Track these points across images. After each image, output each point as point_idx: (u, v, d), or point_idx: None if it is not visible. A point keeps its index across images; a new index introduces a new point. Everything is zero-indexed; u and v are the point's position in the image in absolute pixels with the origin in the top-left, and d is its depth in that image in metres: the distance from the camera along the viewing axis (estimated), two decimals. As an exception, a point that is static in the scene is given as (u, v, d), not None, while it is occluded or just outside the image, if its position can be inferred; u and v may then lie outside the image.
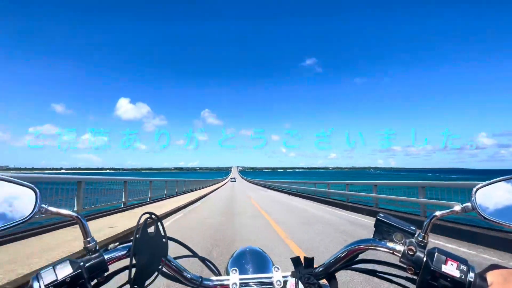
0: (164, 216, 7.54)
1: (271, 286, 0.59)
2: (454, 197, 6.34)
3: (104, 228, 5.42)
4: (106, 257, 0.49)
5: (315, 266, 0.59)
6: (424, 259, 0.46)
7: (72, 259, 0.47)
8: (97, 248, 0.50)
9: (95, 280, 0.48)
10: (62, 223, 5.37)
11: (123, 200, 8.41)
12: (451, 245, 4.85)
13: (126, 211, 7.82)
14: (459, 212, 0.50)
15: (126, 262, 0.50)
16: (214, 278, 0.61)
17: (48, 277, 0.43)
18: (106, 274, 0.49)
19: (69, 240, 4.27)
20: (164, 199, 12.33)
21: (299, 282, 0.55)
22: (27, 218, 0.46)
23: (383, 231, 0.52)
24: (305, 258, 0.59)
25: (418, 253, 0.47)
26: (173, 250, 0.58)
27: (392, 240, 0.51)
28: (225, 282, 0.59)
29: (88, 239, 0.50)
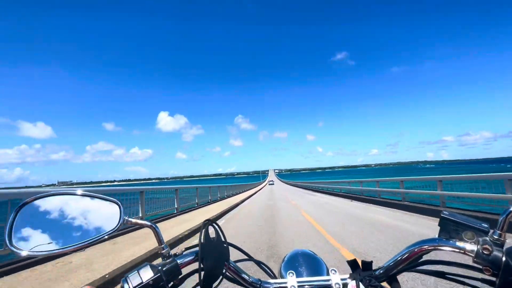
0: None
1: None
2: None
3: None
4: (178, 261, 0.54)
5: (374, 268, 0.57)
6: (504, 258, 0.42)
7: (151, 264, 0.53)
8: (170, 253, 0.56)
9: (172, 283, 0.53)
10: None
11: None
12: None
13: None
14: None
15: (194, 266, 0.55)
16: (271, 280, 0.62)
17: (135, 280, 0.49)
18: (179, 277, 0.54)
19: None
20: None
21: (361, 285, 0.53)
22: (115, 228, 0.53)
23: (450, 230, 0.48)
24: (363, 261, 0.57)
25: (495, 252, 0.43)
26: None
27: (461, 239, 0.47)
28: (283, 285, 0.59)
29: (162, 245, 0.56)
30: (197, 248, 0.55)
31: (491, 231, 0.46)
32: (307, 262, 0.76)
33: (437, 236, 0.50)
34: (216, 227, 0.59)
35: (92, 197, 0.57)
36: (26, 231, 0.49)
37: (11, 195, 3.65)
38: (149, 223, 0.56)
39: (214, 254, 0.55)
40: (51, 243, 0.49)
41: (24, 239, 0.49)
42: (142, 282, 0.49)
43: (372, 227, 6.04)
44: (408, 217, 7.36)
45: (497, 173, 6.47)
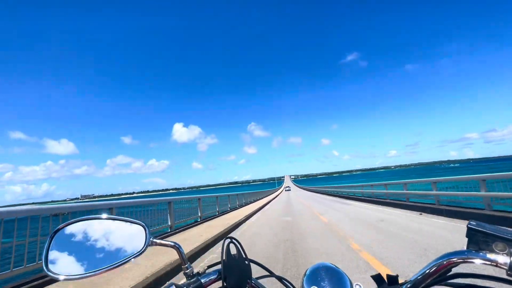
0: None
1: None
2: None
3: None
4: (202, 281, 0.55)
5: (400, 282, 0.54)
6: None
7: (176, 284, 0.54)
8: (194, 272, 0.57)
9: None
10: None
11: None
12: None
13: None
14: None
15: (217, 284, 0.55)
16: None
17: None
18: None
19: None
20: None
21: None
22: (142, 251, 0.55)
23: (479, 241, 0.46)
24: (388, 275, 0.55)
25: None
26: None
27: (492, 251, 0.45)
28: None
29: (186, 265, 0.57)
30: (219, 266, 0.56)
31: None
32: (329, 276, 0.73)
33: (465, 248, 0.48)
34: (237, 243, 0.60)
35: (118, 220, 0.59)
36: (59, 256, 0.52)
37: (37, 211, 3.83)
38: (172, 243, 0.58)
39: (236, 271, 0.55)
40: (83, 266, 0.51)
41: (58, 263, 0.51)
42: None
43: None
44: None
45: None
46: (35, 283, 3.25)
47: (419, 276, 0.52)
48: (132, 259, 0.54)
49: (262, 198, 28.72)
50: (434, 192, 9.09)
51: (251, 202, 22.09)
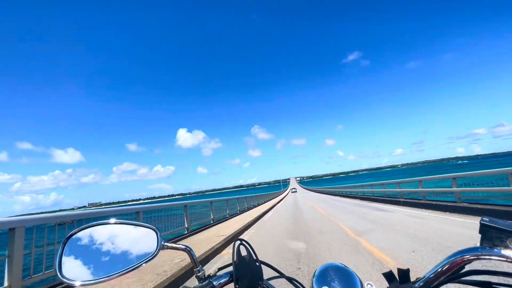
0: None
1: None
2: None
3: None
4: (214, 283, 0.55)
5: (412, 280, 0.54)
6: None
7: (188, 287, 0.54)
8: (205, 276, 0.57)
9: None
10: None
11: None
12: None
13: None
14: None
15: (229, 286, 0.55)
16: None
17: None
18: None
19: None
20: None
21: None
22: (154, 254, 0.55)
23: (492, 237, 0.46)
24: (399, 270, 0.54)
25: None
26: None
27: (507, 247, 0.46)
28: None
29: (198, 268, 0.57)
30: (230, 268, 0.56)
31: None
32: (339, 276, 0.71)
33: (478, 244, 0.48)
34: (247, 245, 0.60)
35: (129, 224, 0.59)
36: (72, 262, 0.52)
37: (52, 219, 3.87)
38: (183, 247, 0.58)
39: (248, 273, 0.55)
40: (96, 271, 0.52)
41: (72, 269, 0.52)
42: None
43: None
44: None
45: None
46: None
47: (432, 274, 0.52)
48: (144, 264, 0.54)
49: (262, 204, 23.67)
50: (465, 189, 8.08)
51: (255, 206, 21.56)
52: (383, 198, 14.25)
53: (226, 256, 5.14)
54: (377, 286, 0.57)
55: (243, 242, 0.59)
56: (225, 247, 5.90)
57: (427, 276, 0.52)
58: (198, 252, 5.01)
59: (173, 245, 0.57)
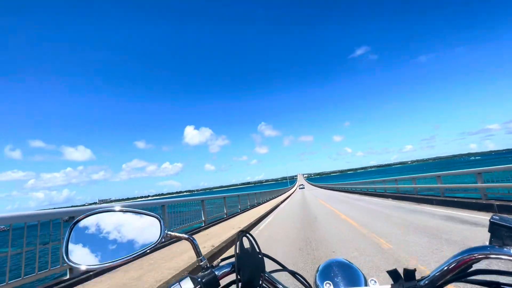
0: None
1: None
2: None
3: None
4: (216, 273, 0.56)
5: (417, 278, 0.53)
6: None
7: (191, 276, 0.55)
8: (208, 265, 0.57)
9: None
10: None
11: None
12: None
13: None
14: None
15: (231, 277, 0.56)
16: None
17: None
18: None
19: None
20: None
21: None
22: (157, 242, 0.56)
23: (502, 236, 0.45)
24: (405, 269, 0.53)
25: None
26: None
27: None
28: None
29: (200, 257, 0.57)
30: (233, 259, 0.56)
31: None
32: (343, 272, 0.72)
33: (487, 243, 0.47)
34: (250, 237, 0.60)
35: (134, 212, 0.60)
36: (79, 247, 0.54)
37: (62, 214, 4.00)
38: (186, 236, 0.58)
39: (250, 265, 0.55)
40: (102, 257, 0.53)
41: (78, 254, 0.53)
42: None
43: None
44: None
45: None
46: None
47: (438, 272, 0.51)
48: (148, 250, 0.55)
49: (266, 202, 21.22)
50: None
51: (263, 202, 21.47)
52: (414, 196, 11.36)
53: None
54: (381, 283, 0.57)
55: (247, 234, 0.60)
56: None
57: (432, 274, 0.51)
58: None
59: (176, 234, 0.58)
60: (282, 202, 20.15)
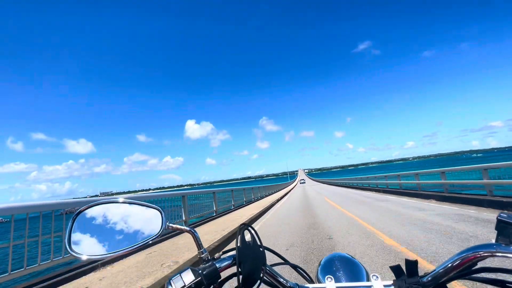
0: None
1: None
2: None
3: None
4: (217, 265, 0.56)
5: (420, 275, 0.53)
6: None
7: (192, 268, 0.55)
8: (209, 258, 0.58)
9: (212, 286, 0.55)
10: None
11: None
12: None
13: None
14: None
15: (232, 270, 0.56)
16: (309, 285, 0.60)
17: (178, 283, 0.54)
18: (219, 281, 0.56)
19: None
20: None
21: None
22: (158, 234, 0.57)
23: (510, 234, 0.45)
24: (407, 261, 0.53)
25: None
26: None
27: None
28: None
29: (201, 250, 0.57)
30: (234, 252, 0.56)
31: None
32: (345, 267, 0.72)
33: (494, 241, 0.46)
34: (252, 231, 0.60)
35: (136, 204, 0.61)
36: (81, 238, 0.55)
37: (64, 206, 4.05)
38: (188, 228, 0.58)
39: (251, 258, 0.55)
40: (104, 247, 0.54)
41: (80, 244, 0.54)
42: (184, 285, 0.54)
43: None
44: None
45: None
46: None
47: (441, 269, 0.51)
48: (150, 241, 0.56)
49: (265, 197, 20.09)
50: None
51: (261, 198, 20.92)
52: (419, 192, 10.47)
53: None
54: (383, 278, 0.56)
55: (248, 227, 0.60)
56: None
57: (436, 270, 0.51)
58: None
59: (177, 226, 0.58)
60: (269, 208, 12.71)
